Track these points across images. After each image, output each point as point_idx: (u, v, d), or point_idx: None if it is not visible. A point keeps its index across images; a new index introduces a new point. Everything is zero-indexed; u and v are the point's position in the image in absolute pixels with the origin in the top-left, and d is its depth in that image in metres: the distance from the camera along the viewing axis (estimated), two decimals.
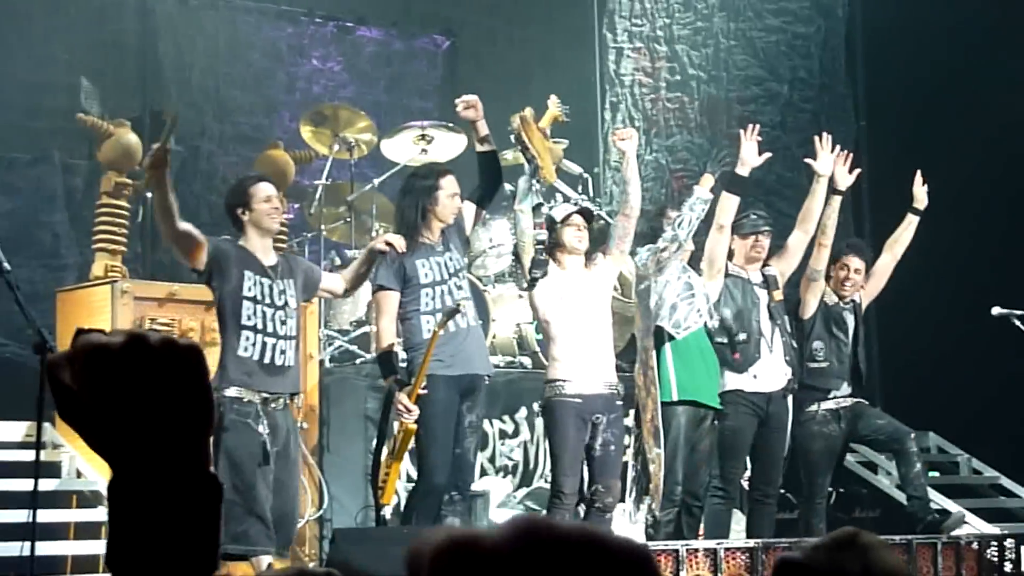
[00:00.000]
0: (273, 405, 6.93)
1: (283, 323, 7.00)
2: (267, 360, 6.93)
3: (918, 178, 9.00)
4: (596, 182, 9.63)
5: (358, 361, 9.10)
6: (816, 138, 8.75)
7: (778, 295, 8.54)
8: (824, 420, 8.74)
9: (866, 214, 12.50)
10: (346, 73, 12.07)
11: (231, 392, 6.83)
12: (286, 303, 7.03)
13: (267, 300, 6.99)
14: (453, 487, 7.20)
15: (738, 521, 8.75)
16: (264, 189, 7.20)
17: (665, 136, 12.40)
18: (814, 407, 8.74)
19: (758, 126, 8.35)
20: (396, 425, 7.11)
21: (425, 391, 7.06)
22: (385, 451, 7.24)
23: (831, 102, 13.33)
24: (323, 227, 9.85)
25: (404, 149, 10.04)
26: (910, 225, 8.97)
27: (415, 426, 7.02)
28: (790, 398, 8.51)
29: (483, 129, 7.44)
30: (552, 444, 7.60)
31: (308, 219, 10.17)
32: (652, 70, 12.57)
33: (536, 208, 8.16)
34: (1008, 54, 11.81)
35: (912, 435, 8.82)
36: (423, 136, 9.94)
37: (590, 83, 12.14)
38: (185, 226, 6.84)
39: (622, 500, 7.84)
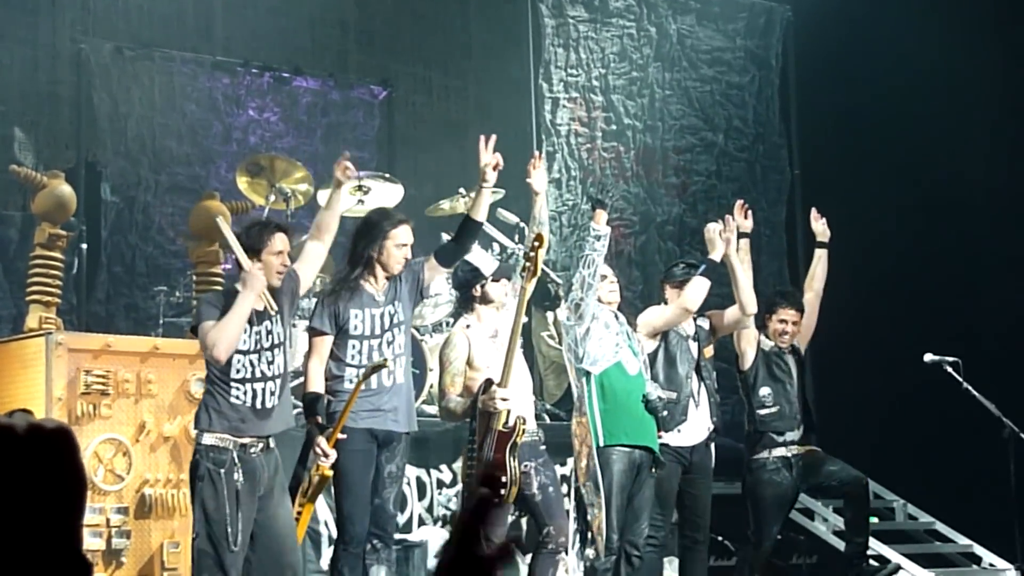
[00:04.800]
0: (252, 450, 6.85)
1: (270, 363, 6.91)
2: (258, 405, 6.84)
3: (813, 213, 9.12)
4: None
5: (295, 411, 9.03)
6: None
7: (709, 351, 8.58)
8: (775, 468, 8.69)
9: (800, 262, 12.58)
10: (283, 123, 12.05)
11: (208, 440, 6.76)
12: (272, 343, 6.93)
13: (257, 346, 6.87)
14: (375, 536, 7.14)
15: (671, 562, 8.75)
16: (280, 242, 7.02)
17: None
18: (764, 454, 8.70)
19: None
20: (313, 468, 7.06)
21: (344, 436, 7.00)
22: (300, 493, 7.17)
23: (766, 151, 13.45)
24: None
25: (341, 200, 10.01)
26: (821, 259, 9.06)
27: (331, 472, 6.97)
28: (712, 445, 8.53)
29: (486, 198, 7.40)
30: None
31: None
32: (588, 120, 12.65)
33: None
34: (940, 103, 11.96)
35: (866, 480, 8.82)
36: (360, 187, 9.91)
37: (526, 133, 12.19)
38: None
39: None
